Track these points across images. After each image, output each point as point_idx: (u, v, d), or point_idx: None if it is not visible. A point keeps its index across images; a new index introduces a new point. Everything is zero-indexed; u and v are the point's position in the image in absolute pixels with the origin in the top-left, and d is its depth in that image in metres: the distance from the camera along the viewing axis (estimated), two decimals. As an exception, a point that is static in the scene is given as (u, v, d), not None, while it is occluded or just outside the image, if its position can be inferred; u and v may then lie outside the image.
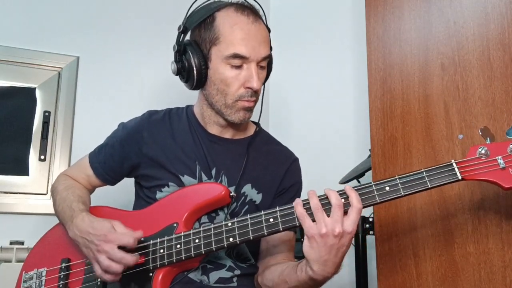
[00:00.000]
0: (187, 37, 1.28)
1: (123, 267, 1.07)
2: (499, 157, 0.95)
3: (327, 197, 1.01)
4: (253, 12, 1.23)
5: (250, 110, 1.24)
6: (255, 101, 1.24)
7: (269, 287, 1.21)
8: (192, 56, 1.21)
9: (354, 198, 0.99)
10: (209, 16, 1.21)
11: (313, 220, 1.00)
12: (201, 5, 1.26)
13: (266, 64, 1.25)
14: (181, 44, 1.24)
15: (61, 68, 1.96)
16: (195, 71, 1.21)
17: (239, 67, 1.19)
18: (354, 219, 0.98)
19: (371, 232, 1.58)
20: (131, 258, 1.07)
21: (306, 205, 1.02)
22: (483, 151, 0.97)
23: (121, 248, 1.08)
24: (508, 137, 0.97)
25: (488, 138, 0.98)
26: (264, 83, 1.29)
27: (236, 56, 1.17)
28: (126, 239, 1.08)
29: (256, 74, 1.19)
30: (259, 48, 1.19)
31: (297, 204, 1.02)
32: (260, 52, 1.20)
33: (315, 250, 0.99)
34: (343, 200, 0.99)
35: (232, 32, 1.18)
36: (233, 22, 1.19)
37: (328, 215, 0.99)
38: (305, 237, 1.01)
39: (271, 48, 1.29)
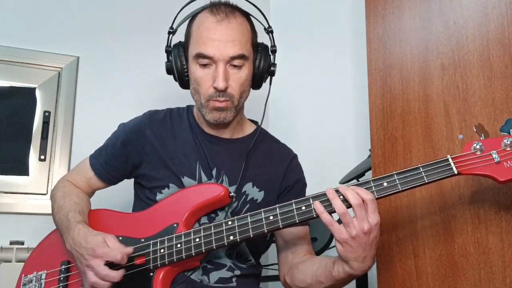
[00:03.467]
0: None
1: (109, 284, 1.06)
2: (494, 151, 0.97)
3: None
4: (227, 11, 1.20)
5: (222, 110, 1.21)
6: (227, 102, 1.20)
7: None
8: (174, 58, 1.25)
9: (363, 193, 0.99)
10: (192, 18, 1.25)
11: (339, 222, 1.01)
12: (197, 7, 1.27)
13: (244, 64, 1.21)
14: (170, 45, 1.28)
15: (61, 68, 1.96)
16: (175, 71, 1.25)
17: (207, 66, 1.19)
18: (374, 210, 0.99)
19: (371, 232, 1.57)
20: (115, 275, 1.06)
21: (324, 202, 1.02)
22: (477, 146, 0.99)
23: (110, 263, 1.07)
24: (502, 133, 0.99)
25: (482, 135, 1.00)
26: (261, 83, 1.29)
27: (200, 55, 1.18)
28: (113, 254, 1.06)
29: (222, 74, 1.17)
30: (225, 47, 1.17)
31: (322, 212, 1.01)
32: (227, 51, 1.17)
33: (351, 252, 1.00)
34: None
35: (199, 31, 1.20)
36: (201, 22, 1.21)
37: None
38: (336, 242, 1.01)
39: (257, 46, 1.26)
